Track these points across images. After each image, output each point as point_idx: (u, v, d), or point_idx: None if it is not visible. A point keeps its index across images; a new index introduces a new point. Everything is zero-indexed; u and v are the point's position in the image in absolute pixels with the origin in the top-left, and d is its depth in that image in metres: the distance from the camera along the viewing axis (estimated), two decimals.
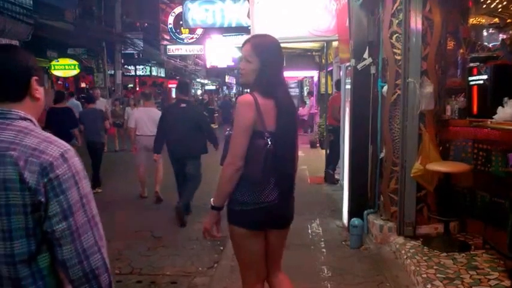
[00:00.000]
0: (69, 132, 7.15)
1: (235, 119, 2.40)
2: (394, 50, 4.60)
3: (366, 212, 5.02)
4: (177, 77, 29.66)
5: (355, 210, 5.13)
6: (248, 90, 2.49)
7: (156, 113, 7.37)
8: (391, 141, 4.71)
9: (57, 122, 7.24)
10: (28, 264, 1.30)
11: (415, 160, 4.41)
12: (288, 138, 2.51)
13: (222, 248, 4.88)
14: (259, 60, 2.41)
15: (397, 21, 4.56)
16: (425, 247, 4.33)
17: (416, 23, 4.39)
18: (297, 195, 2.69)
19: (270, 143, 2.35)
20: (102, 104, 11.88)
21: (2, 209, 1.26)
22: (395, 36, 4.60)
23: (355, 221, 4.73)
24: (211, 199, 2.50)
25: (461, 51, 4.87)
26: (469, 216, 4.59)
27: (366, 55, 4.92)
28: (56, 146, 1.33)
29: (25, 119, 1.38)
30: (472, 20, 5.01)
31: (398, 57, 4.56)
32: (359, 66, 4.96)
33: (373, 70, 4.95)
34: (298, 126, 3.07)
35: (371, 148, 5.08)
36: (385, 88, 4.71)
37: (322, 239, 5.00)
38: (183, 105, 6.23)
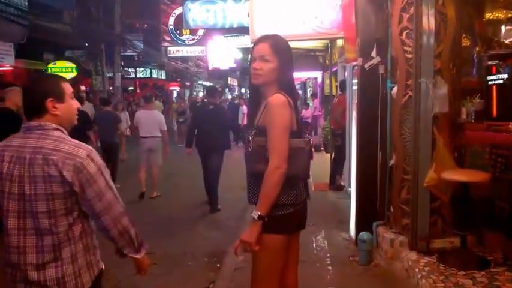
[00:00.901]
0: (85, 134, 7.15)
1: (275, 121, 2.29)
2: (405, 48, 4.21)
3: (374, 223, 4.63)
4: (178, 79, 29.39)
5: (363, 222, 4.74)
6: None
7: (159, 116, 8.05)
8: (401, 147, 4.32)
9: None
10: (66, 233, 1.90)
11: (429, 168, 4.03)
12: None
13: (219, 265, 4.51)
14: (279, 60, 2.37)
15: (407, 16, 4.17)
16: (441, 264, 3.93)
17: (428, 18, 4.00)
18: None
19: (312, 140, 2.41)
20: (87, 108, 11.27)
21: (49, 196, 1.85)
22: (405, 32, 4.21)
23: (364, 235, 4.34)
24: (255, 211, 2.29)
25: (477, 48, 4.48)
26: (487, 228, 4.19)
27: (373, 53, 4.53)
28: (83, 150, 1.91)
29: (57, 129, 1.96)
30: (488, 15, 4.61)
31: (409, 56, 4.17)
32: (366, 66, 4.57)
33: (381, 70, 4.56)
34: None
35: (380, 154, 4.69)
36: (395, 89, 4.32)
37: (328, 255, 4.61)
38: (211, 107, 7.12)
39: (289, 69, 2.46)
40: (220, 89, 42.06)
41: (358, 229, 4.78)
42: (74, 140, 1.95)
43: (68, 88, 2.02)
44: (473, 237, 4.18)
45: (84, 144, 1.96)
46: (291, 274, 2.57)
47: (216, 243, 5.37)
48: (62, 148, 1.89)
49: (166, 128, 7.99)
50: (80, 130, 7.04)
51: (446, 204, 4.17)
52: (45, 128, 1.93)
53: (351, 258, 4.51)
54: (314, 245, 4.91)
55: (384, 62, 4.51)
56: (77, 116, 2.10)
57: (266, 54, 2.37)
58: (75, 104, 2.06)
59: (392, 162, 4.45)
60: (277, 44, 2.41)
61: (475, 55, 4.46)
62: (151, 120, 7.81)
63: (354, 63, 4.94)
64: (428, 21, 4.00)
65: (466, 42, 4.50)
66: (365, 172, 4.79)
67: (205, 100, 7.40)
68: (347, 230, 5.28)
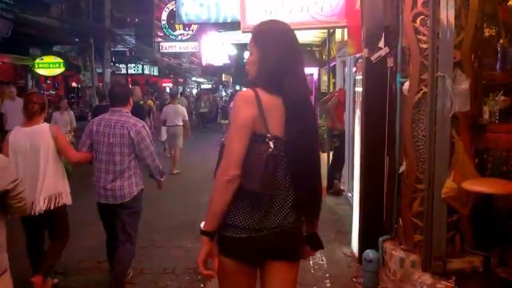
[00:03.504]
0: None
1: (231, 118, 2.06)
2: (419, 37, 3.63)
3: (381, 238, 4.04)
4: (171, 76, 28.76)
5: (368, 236, 4.18)
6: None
7: (181, 109, 10.09)
8: (413, 152, 3.74)
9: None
10: (127, 165, 3.68)
11: (446, 176, 3.46)
12: (304, 148, 2.02)
13: (202, 285, 3.93)
14: (260, 50, 2.04)
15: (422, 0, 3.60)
16: None
17: (447, 1, 3.41)
18: None
19: (272, 147, 1.91)
20: (19, 105, 10.15)
21: (121, 145, 3.64)
22: (419, 18, 3.63)
23: (370, 253, 3.76)
24: (202, 222, 1.99)
25: (501, 39, 3.89)
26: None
27: (381, 44, 3.95)
28: (140, 123, 3.75)
29: (128, 112, 3.80)
30: None
31: (424, 46, 3.59)
32: (373, 58, 3.98)
33: (390, 62, 3.97)
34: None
35: (387, 160, 4.10)
36: (407, 85, 3.74)
37: (327, 275, 4.02)
38: None
39: (273, 59, 2.00)
40: (214, 85, 41.59)
41: (362, 244, 4.21)
42: (134, 117, 3.79)
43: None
44: (495, 256, 3.61)
45: (140, 120, 3.83)
46: None
47: None
48: (130, 121, 3.69)
49: (187, 118, 10.07)
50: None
51: (466, 219, 3.60)
52: (122, 111, 3.75)
53: (354, 280, 3.93)
54: (311, 262, 4.31)
55: (394, 53, 3.92)
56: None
57: (250, 45, 2.11)
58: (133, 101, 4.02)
59: (402, 168, 3.87)
60: (259, 32, 2.09)
61: (499, 46, 3.87)
62: (176, 112, 9.81)
63: (358, 55, 4.35)
64: (447, 4, 3.41)
65: (487, 30, 3.91)
66: (370, 179, 4.22)
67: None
68: (348, 243, 4.70)
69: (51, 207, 3.59)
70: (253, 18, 4.90)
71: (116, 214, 3.74)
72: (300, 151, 1.99)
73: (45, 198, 3.56)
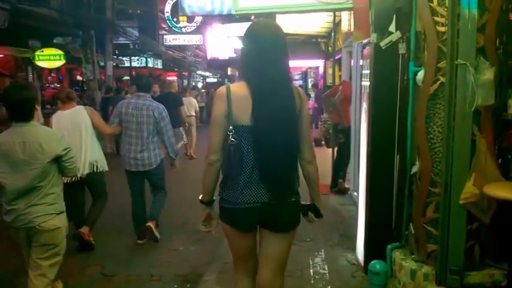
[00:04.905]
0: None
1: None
2: (436, 19, 3.17)
3: (389, 246, 3.61)
4: (176, 69, 28.40)
5: (374, 243, 3.76)
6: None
7: (194, 101, 11.74)
8: (428, 151, 3.29)
9: (107, 107, 10.66)
10: (151, 139, 4.88)
11: (466, 179, 3.02)
12: (275, 133, 2.29)
13: None
14: (241, 49, 2.44)
15: None
16: None
17: None
18: None
19: (233, 139, 2.27)
20: None
21: (147, 123, 4.79)
22: None
23: (377, 265, 3.33)
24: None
25: None
26: None
27: (392, 28, 3.50)
28: (161, 106, 4.91)
29: (150, 97, 5.09)
30: None
31: (442, 29, 3.13)
32: (382, 44, 3.53)
33: (402, 49, 3.51)
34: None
35: (398, 159, 3.66)
36: (421, 74, 3.29)
37: (329, 287, 3.60)
38: None
39: (246, 54, 2.37)
40: (220, 79, 41.17)
41: (368, 252, 3.79)
42: (155, 102, 4.97)
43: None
44: None
45: (160, 104, 4.95)
46: (262, 273, 2.52)
47: (192, 262, 4.45)
48: (153, 104, 4.83)
49: (198, 109, 11.98)
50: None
51: (487, 228, 3.17)
52: (146, 96, 4.91)
53: None
54: (311, 270, 3.91)
55: (406, 38, 3.47)
56: None
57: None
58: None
59: (414, 169, 3.43)
60: (244, 33, 2.40)
61: None
62: (190, 104, 11.23)
63: (366, 40, 3.90)
64: None
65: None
66: (377, 181, 3.77)
67: None
68: (353, 248, 4.28)
69: (94, 171, 4.64)
70: (247, 1, 4.48)
71: (146, 178, 5.01)
72: (270, 136, 2.27)
73: (86, 165, 4.58)
